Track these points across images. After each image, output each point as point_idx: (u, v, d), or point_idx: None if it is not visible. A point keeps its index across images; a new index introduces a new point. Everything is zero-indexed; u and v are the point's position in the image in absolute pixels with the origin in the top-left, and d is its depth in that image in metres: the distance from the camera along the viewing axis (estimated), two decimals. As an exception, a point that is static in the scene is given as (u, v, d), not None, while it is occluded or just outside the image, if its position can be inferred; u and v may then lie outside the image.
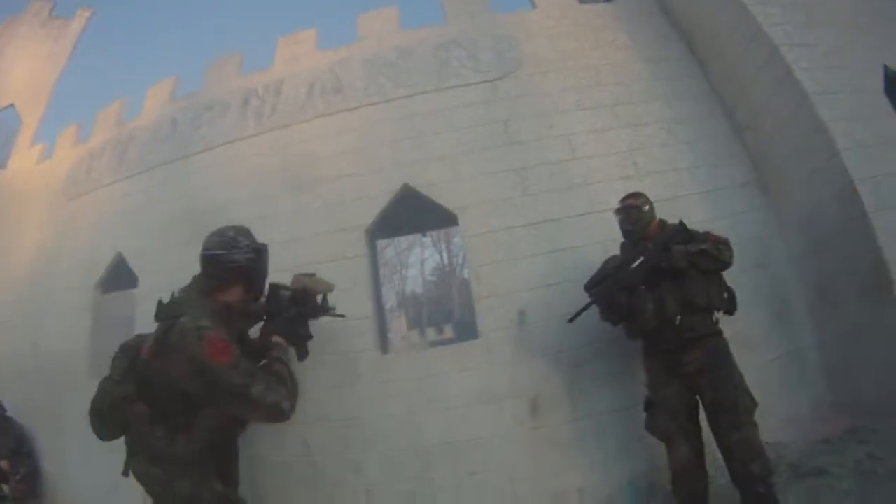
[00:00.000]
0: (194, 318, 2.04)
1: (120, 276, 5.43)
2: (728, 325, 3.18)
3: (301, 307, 2.69)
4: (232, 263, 2.29)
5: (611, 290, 3.20)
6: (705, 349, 3.01)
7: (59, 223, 6.02)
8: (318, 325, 3.60)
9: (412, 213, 5.13)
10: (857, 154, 3.63)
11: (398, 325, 22.28)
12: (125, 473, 2.40)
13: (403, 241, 27.51)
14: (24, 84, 7.95)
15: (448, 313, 26.23)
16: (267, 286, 2.59)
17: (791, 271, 4.17)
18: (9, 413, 5.23)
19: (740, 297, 3.20)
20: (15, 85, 7.96)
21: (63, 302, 5.49)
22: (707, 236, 3.14)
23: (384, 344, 5.04)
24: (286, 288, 2.73)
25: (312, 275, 3.04)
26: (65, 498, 4.93)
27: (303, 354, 2.75)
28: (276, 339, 2.44)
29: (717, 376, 2.94)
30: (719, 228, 3.41)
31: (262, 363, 2.28)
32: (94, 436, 2.51)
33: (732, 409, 2.84)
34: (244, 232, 2.44)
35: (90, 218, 5.72)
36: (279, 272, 4.07)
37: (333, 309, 3.09)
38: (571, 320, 3.40)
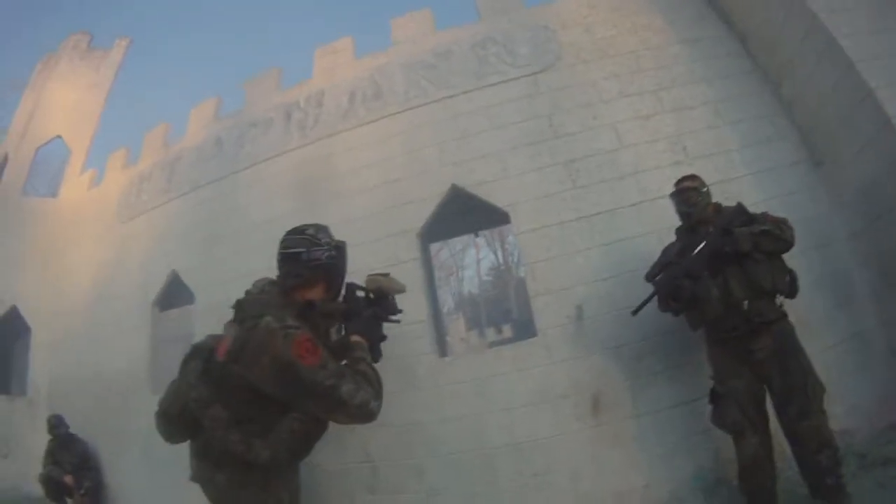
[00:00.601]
0: (279, 318, 1.98)
1: (176, 294, 5.57)
2: (789, 310, 3.03)
3: (377, 307, 2.58)
4: (313, 261, 2.23)
5: (674, 277, 3.06)
6: (774, 334, 2.89)
7: (114, 246, 6.22)
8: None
9: (463, 213, 5.13)
10: None
11: (457, 326, 22.16)
12: (193, 478, 2.32)
13: (458, 242, 27.33)
14: (69, 115, 8.25)
15: (506, 312, 25.93)
16: (344, 286, 2.50)
17: (850, 250, 3.95)
18: (72, 430, 5.43)
19: (800, 280, 3.05)
20: (60, 117, 8.28)
21: (122, 321, 5.66)
22: (766, 217, 3.03)
23: (442, 347, 5.05)
24: (361, 288, 2.63)
25: (387, 274, 3.02)
26: None
27: (377, 355, 2.63)
28: (356, 338, 2.33)
29: (787, 361, 2.83)
30: (773, 209, 3.25)
31: (344, 363, 2.18)
32: (154, 451, 2.49)
33: (802, 394, 2.73)
34: (324, 229, 2.38)
35: (143, 239, 5.89)
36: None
37: (401, 311, 3.08)
38: (635, 312, 3.22)
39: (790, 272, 3.03)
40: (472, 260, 31.13)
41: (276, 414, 2.12)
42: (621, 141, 4.40)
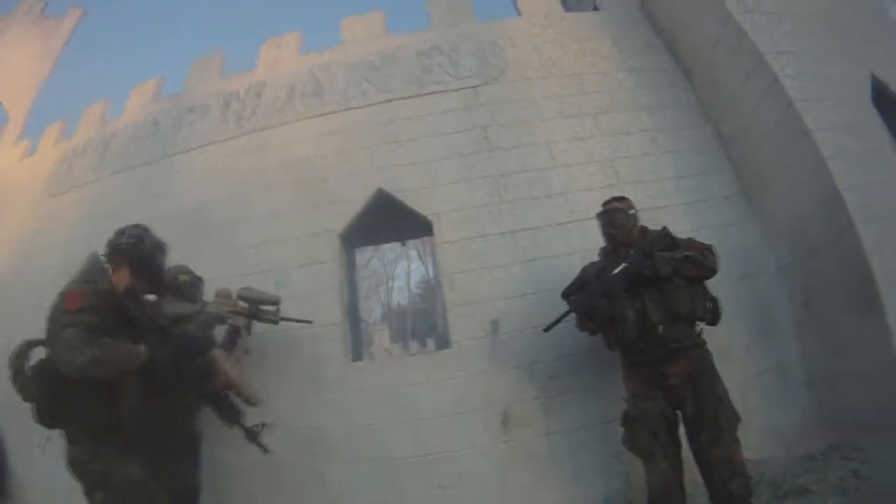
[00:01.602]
0: (71, 283, 2.39)
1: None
2: (711, 337, 3.07)
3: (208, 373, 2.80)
4: (115, 247, 2.61)
5: (591, 297, 3.07)
6: (690, 360, 2.90)
7: (39, 220, 5.95)
8: (284, 331, 3.56)
9: (391, 220, 5.08)
10: (844, 163, 3.55)
11: (382, 337, 22.12)
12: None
13: (389, 252, 27.31)
14: (12, 81, 7.92)
15: (432, 326, 26.00)
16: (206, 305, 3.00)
17: (777, 283, 4.09)
18: None
19: (724, 309, 3.08)
20: (2, 81, 7.94)
21: (38, 299, 5.39)
22: (691, 243, 3.05)
23: (356, 352, 4.99)
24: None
25: (277, 322, 3.08)
26: (34, 497, 4.86)
27: (226, 420, 2.89)
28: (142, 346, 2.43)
29: (700, 389, 2.82)
30: (704, 239, 3.28)
31: None
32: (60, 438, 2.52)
33: (714, 423, 2.73)
34: (139, 227, 2.74)
35: (69, 216, 5.65)
36: (252, 275, 4.10)
37: (259, 444, 3.06)
38: (548, 329, 3.24)
39: (712, 299, 3.05)
40: (403, 271, 31.03)
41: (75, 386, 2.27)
42: (555, 160, 4.44)
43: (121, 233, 2.67)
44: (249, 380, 3.13)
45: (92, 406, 2.29)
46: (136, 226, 2.74)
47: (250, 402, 3.02)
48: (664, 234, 3.10)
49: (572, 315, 3.20)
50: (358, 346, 6.22)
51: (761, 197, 4.29)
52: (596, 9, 5.63)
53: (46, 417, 2.38)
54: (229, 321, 3.46)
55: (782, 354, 3.93)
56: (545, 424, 3.72)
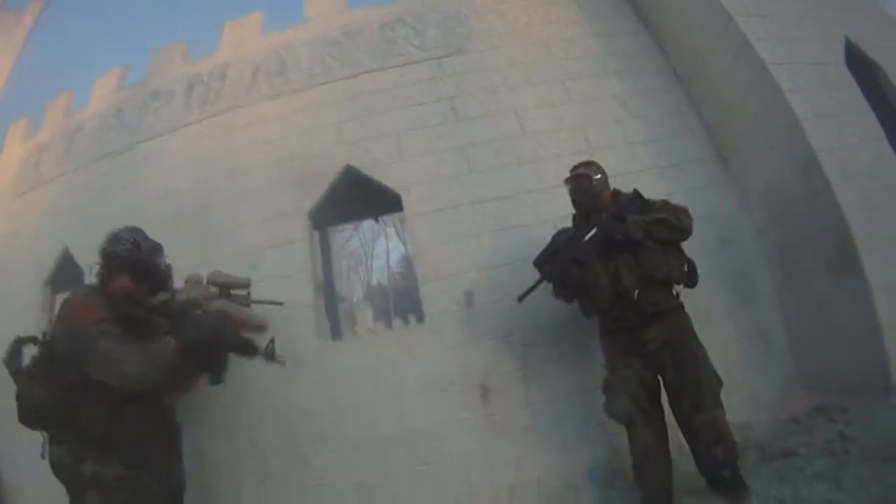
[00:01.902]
0: (77, 292, 2.37)
1: (69, 273, 5.31)
2: (690, 302, 3.04)
3: (219, 335, 2.58)
4: (112, 255, 2.55)
5: (562, 264, 3.03)
6: (667, 325, 2.86)
7: (8, 219, 5.86)
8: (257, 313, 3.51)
9: (363, 196, 5.05)
10: (818, 125, 3.53)
11: (364, 316, 22.12)
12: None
13: (368, 231, 27.21)
14: (-27, 77, 7.78)
15: (415, 303, 25.97)
16: (176, 293, 2.85)
17: (755, 247, 4.09)
18: None
19: (702, 275, 3.06)
20: None
21: (14, 301, 5.35)
22: (664, 205, 3.00)
23: (335, 331, 4.99)
24: (203, 308, 2.80)
25: (246, 303, 3.05)
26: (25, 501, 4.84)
27: (216, 379, 2.57)
28: (168, 338, 2.43)
29: (680, 354, 2.80)
30: (678, 203, 3.27)
31: None
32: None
33: (696, 388, 2.71)
34: (133, 230, 2.70)
35: (38, 213, 5.57)
36: (225, 259, 4.05)
37: (283, 363, 2.92)
38: (521, 299, 3.20)
39: (689, 261, 3.02)
40: (382, 250, 30.79)
41: (84, 388, 2.28)
42: (523, 128, 4.40)
43: (115, 240, 2.61)
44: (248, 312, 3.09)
45: (99, 409, 2.31)
46: (130, 229, 2.70)
47: (262, 328, 2.99)
48: (636, 196, 3.04)
49: (548, 283, 3.17)
50: (336, 325, 6.22)
51: (736, 160, 4.27)
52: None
53: (44, 419, 2.39)
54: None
55: (763, 318, 3.93)
56: (525, 395, 3.69)
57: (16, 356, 2.61)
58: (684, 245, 3.03)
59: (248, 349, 2.62)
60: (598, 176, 3.19)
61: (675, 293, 2.96)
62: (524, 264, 3.46)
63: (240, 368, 3.53)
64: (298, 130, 4.58)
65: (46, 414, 2.35)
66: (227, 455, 3.83)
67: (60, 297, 5.53)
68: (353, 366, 3.88)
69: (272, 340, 2.68)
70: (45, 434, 2.46)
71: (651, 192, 3.32)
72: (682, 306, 2.97)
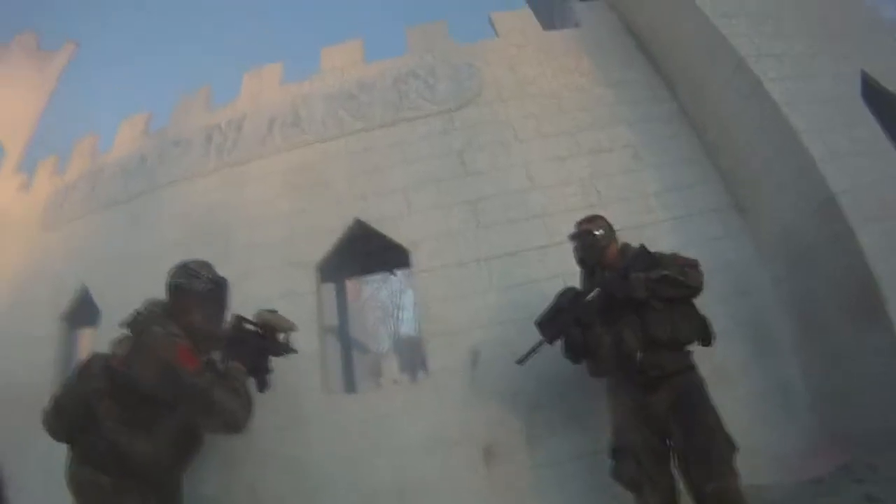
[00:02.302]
0: (165, 327, 2.35)
1: (86, 310, 5.47)
2: (705, 359, 2.90)
3: (262, 341, 2.83)
4: (192, 292, 2.59)
5: (563, 325, 2.92)
6: (674, 388, 2.71)
7: (34, 254, 6.10)
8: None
9: (378, 249, 5.11)
10: (835, 165, 3.41)
11: (390, 367, 22.24)
12: (70, 484, 2.44)
13: (396, 283, 27.30)
14: (7, 114, 8.10)
15: None
16: (230, 316, 2.83)
17: (773, 297, 3.94)
18: None
19: (719, 328, 2.90)
20: None
21: (33, 333, 5.51)
22: (674, 259, 2.87)
23: (349, 384, 5.03)
24: (250, 321, 2.87)
25: (275, 311, 3.13)
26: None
27: (262, 386, 2.85)
28: (235, 364, 2.60)
29: (688, 420, 2.63)
30: (693, 255, 3.12)
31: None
32: (57, 470, 2.52)
33: (705, 456, 2.53)
34: (205, 265, 2.76)
35: (61, 250, 5.79)
36: (236, 306, 4.12)
37: (295, 351, 3.12)
38: (521, 362, 3.08)
39: (701, 319, 2.87)
40: (410, 302, 30.81)
41: (159, 414, 2.36)
42: (532, 181, 4.42)
43: (192, 274, 2.65)
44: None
45: (159, 434, 2.38)
46: (202, 264, 2.76)
47: (294, 328, 3.04)
48: (641, 252, 2.92)
49: (550, 345, 3.07)
50: (351, 377, 6.27)
51: (752, 207, 4.16)
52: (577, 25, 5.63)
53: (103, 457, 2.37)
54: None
55: (783, 372, 3.75)
56: (529, 457, 3.60)
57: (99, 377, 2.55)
58: (700, 298, 2.88)
59: (283, 350, 2.88)
60: (601, 231, 3.10)
61: (687, 352, 2.83)
62: (531, 322, 3.32)
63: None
64: (309, 183, 4.69)
65: (122, 456, 2.35)
66: (226, 499, 3.84)
67: (78, 333, 5.72)
68: (354, 419, 3.89)
69: (288, 334, 2.91)
70: (69, 453, 2.49)
71: (665, 244, 3.28)
72: (692, 367, 2.82)
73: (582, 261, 3.17)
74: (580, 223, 3.21)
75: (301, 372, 3.97)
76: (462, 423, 3.75)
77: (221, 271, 4.44)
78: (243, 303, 4.17)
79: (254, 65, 5.80)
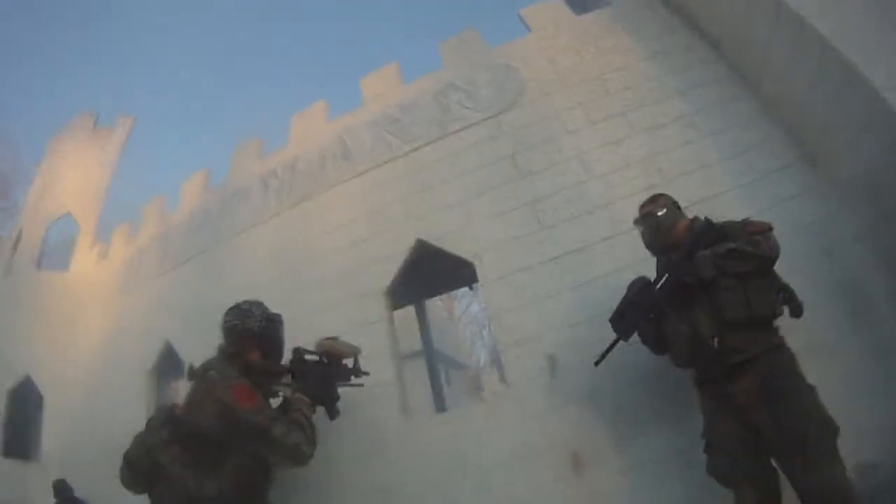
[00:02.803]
0: (221, 371, 2.46)
1: (171, 363, 5.74)
2: (792, 333, 2.63)
3: (327, 369, 2.97)
4: (246, 331, 2.69)
5: (634, 320, 2.80)
6: (758, 373, 2.44)
7: (117, 316, 6.53)
8: (342, 394, 3.57)
9: (442, 267, 5.07)
10: None
11: (490, 380, 22.34)
12: None
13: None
14: (76, 192, 8.72)
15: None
16: (292, 350, 2.95)
17: (862, 252, 3.52)
18: (78, 494, 5.58)
19: (805, 295, 2.66)
20: (69, 194, 8.77)
21: (124, 390, 5.84)
22: (744, 227, 2.64)
23: (438, 403, 5.02)
24: (311, 352, 3.01)
25: (336, 338, 3.19)
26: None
27: (333, 413, 2.94)
28: (297, 395, 2.72)
29: (778, 406, 2.36)
30: (768, 220, 2.85)
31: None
32: None
33: (802, 444, 2.25)
34: (257, 304, 2.86)
35: (141, 311, 6.15)
36: (307, 343, 4.17)
37: (367, 374, 3.15)
38: (598, 363, 3.00)
39: (784, 288, 2.65)
40: None
41: (223, 454, 2.46)
42: (589, 172, 4.27)
43: (246, 315, 2.76)
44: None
45: (225, 475, 2.48)
46: (256, 304, 2.85)
47: (358, 351, 3.18)
48: (706, 226, 2.69)
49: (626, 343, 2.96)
50: (440, 396, 6.28)
51: (825, 158, 3.81)
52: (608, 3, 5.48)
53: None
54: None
55: (881, 336, 3.26)
56: (619, 461, 3.42)
57: (154, 430, 2.70)
58: (781, 264, 2.64)
59: (352, 374, 2.99)
60: (664, 211, 2.93)
61: (773, 330, 2.57)
62: (607, 319, 3.17)
63: (325, 447, 3.72)
64: (367, 211, 4.75)
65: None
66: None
67: (168, 387, 6.00)
68: (436, 441, 3.87)
69: (356, 358, 3.00)
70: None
71: (737, 213, 3.06)
72: (780, 346, 2.55)
73: (650, 245, 3.00)
74: (642, 206, 3.05)
75: (380, 401, 4.01)
76: (546, 432, 3.63)
77: (293, 310, 4.60)
78: (317, 336, 4.31)
79: (299, 107, 5.94)
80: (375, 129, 5.13)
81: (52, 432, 6.83)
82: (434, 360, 7.12)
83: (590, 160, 4.33)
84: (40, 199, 9.04)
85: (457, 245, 4.34)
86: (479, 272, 4.21)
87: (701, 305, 2.59)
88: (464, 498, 3.66)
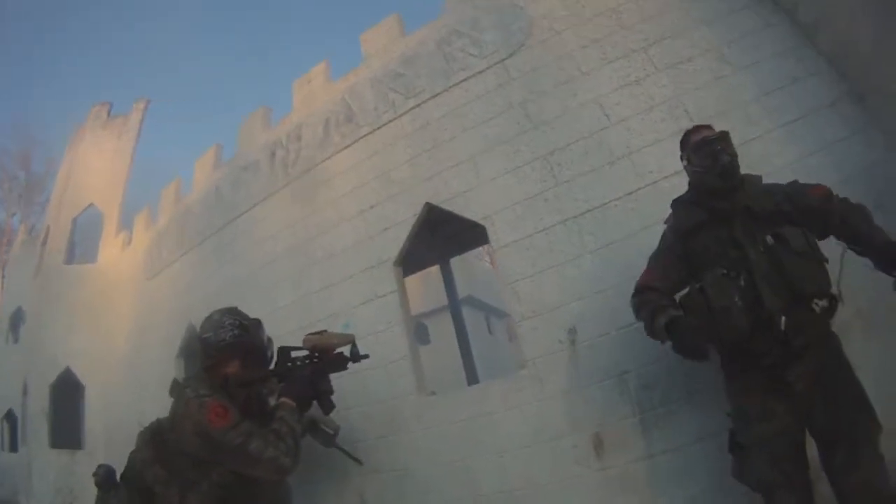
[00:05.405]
0: (195, 389, 2.38)
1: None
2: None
3: (317, 364, 2.81)
4: (220, 343, 2.56)
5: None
6: (822, 357, 2.16)
7: (143, 303, 6.70)
8: (354, 376, 3.43)
9: (457, 229, 4.86)
10: None
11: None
12: None
13: None
14: (98, 183, 8.98)
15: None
16: (276, 350, 2.82)
17: None
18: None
19: (853, 261, 2.28)
20: (91, 185, 9.04)
21: (155, 374, 5.92)
22: (808, 191, 2.32)
23: (472, 376, 4.89)
24: (298, 348, 2.86)
25: (323, 331, 3.10)
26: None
27: (327, 408, 2.83)
28: (282, 400, 2.62)
29: (833, 393, 2.12)
30: (814, 166, 2.65)
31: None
32: None
33: (852, 436, 2.06)
34: (231, 312, 2.70)
35: (165, 294, 6.29)
36: (320, 320, 4.20)
37: (366, 356, 3.05)
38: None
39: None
40: None
41: (204, 470, 2.41)
42: (609, 117, 3.87)
43: (217, 326, 2.64)
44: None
45: (208, 492, 2.44)
46: (228, 311, 2.73)
47: (350, 339, 2.97)
48: (775, 187, 2.34)
49: None
50: (472, 369, 6.18)
51: (874, 95, 3.28)
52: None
53: None
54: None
55: None
56: (645, 445, 3.18)
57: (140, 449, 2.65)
58: None
59: (349, 361, 2.84)
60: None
61: (832, 308, 2.21)
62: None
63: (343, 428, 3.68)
64: (372, 175, 4.58)
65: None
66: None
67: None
68: (453, 420, 3.75)
69: (353, 343, 2.84)
70: None
71: (779, 160, 2.86)
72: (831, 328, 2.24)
73: (724, 171, 2.36)
74: (695, 131, 2.51)
75: (394, 378, 3.95)
76: (568, 412, 3.43)
77: (304, 288, 4.54)
78: (331, 315, 4.25)
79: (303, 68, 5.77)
80: (378, 87, 4.90)
81: (94, 420, 7.10)
82: (464, 328, 6.96)
83: (609, 104, 3.93)
84: (63, 194, 9.31)
85: (467, 207, 4.11)
86: (491, 235, 3.97)
87: (760, 272, 2.18)
88: (482, 480, 3.56)
